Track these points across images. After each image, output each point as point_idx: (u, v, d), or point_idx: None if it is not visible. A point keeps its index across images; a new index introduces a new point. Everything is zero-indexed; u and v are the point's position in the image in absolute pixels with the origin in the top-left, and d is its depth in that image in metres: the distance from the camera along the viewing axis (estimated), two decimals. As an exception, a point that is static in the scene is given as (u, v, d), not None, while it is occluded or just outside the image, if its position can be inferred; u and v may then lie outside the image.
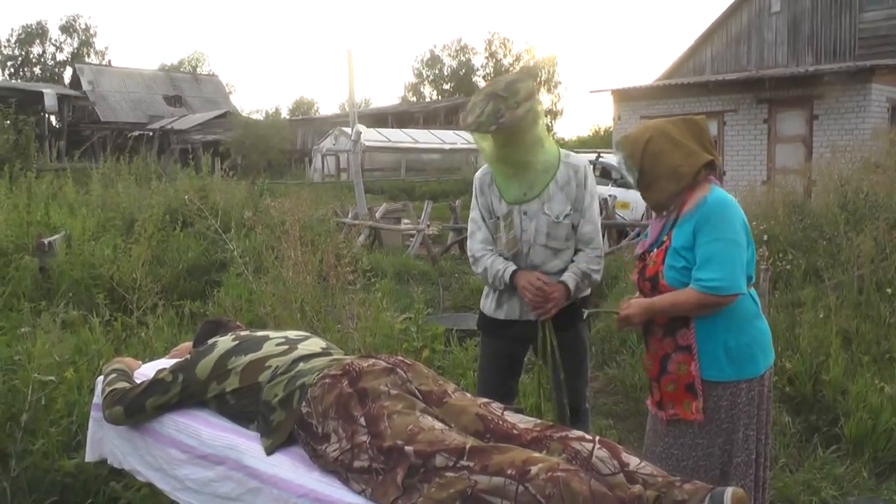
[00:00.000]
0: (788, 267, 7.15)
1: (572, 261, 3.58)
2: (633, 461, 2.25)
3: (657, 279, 2.93)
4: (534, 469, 2.07)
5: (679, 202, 2.95)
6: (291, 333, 3.07)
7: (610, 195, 13.39)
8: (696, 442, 2.92)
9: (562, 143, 43.27)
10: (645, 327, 3.05)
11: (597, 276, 3.58)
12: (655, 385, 3.04)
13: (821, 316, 5.67)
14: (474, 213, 3.71)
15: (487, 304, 3.73)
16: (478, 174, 3.71)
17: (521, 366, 3.88)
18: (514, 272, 3.49)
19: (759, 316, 3.00)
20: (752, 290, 3.00)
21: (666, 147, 2.92)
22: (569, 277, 3.49)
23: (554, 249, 3.53)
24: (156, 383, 2.92)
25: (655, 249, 3.01)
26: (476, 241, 3.67)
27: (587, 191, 3.56)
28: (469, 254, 3.73)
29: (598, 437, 2.35)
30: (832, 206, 8.24)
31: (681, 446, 2.96)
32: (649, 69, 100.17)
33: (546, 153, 3.52)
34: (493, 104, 3.29)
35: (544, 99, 55.16)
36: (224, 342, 2.94)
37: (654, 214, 3.16)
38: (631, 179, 3.06)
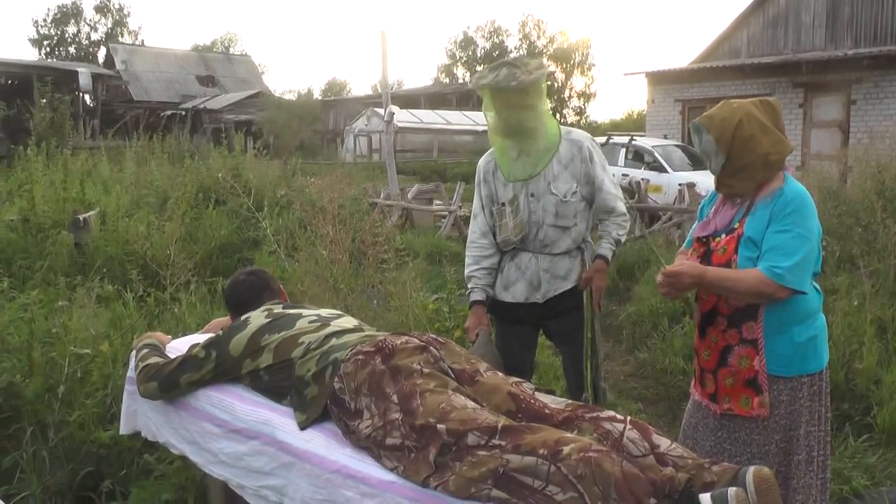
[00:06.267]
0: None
1: (598, 231, 3.66)
2: (664, 443, 2.24)
3: (730, 268, 2.76)
4: (566, 449, 2.06)
5: (755, 191, 2.80)
6: (324, 311, 3.08)
7: (643, 178, 13.29)
8: (751, 438, 2.81)
9: (594, 126, 43.03)
10: (705, 316, 2.89)
11: (624, 239, 3.70)
12: (710, 377, 2.89)
13: (855, 304, 5.58)
14: (475, 203, 3.76)
15: (495, 285, 3.74)
16: (481, 162, 3.73)
17: (534, 342, 3.88)
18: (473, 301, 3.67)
19: (821, 310, 2.87)
20: (816, 284, 2.85)
21: (756, 132, 2.74)
22: (606, 250, 3.63)
23: (563, 228, 3.55)
24: (189, 359, 2.94)
25: (724, 236, 2.84)
26: (472, 230, 3.76)
27: (594, 164, 3.58)
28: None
29: (629, 418, 2.33)
30: (869, 193, 8.08)
31: (734, 441, 2.85)
32: (684, 52, 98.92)
33: (548, 131, 3.55)
34: (508, 69, 3.38)
35: (577, 82, 54.83)
36: (257, 318, 2.95)
37: (724, 200, 2.94)
38: (713, 163, 2.83)
